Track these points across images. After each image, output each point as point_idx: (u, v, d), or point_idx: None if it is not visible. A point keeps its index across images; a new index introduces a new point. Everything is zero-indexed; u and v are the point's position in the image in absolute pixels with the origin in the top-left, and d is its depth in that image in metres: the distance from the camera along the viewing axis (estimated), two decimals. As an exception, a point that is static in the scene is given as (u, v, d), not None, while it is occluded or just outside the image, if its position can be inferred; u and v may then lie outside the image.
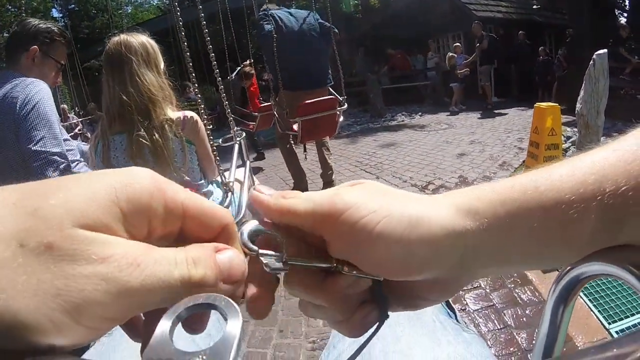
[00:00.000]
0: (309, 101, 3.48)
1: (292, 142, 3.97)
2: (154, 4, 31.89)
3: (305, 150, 3.94)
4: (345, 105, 3.77)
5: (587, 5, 10.89)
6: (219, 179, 1.85)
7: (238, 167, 2.17)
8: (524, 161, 4.19)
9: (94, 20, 24.59)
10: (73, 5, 24.99)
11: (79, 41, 19.37)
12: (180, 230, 0.27)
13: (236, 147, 2.25)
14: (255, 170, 5.96)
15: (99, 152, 1.68)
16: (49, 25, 1.93)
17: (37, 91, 1.69)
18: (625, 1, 19.95)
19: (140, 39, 1.73)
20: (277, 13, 3.60)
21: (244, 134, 2.53)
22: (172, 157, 1.68)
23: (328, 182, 4.19)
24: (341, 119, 3.84)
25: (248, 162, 2.41)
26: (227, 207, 1.77)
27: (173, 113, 1.71)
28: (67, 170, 1.68)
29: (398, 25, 13.47)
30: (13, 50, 1.86)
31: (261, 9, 3.63)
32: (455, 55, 9.89)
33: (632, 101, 7.57)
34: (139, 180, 0.24)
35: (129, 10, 26.81)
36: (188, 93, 7.37)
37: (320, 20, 3.76)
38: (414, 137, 7.03)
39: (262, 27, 3.48)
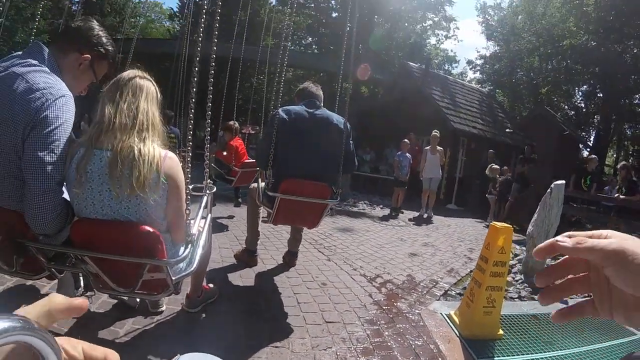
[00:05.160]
0: (296, 179, 3.05)
1: (264, 218, 3.67)
2: (165, 25, 32.53)
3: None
4: (338, 199, 3.27)
5: (554, 137, 11.89)
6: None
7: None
8: (471, 271, 4.24)
9: (105, 18, 24.31)
10: (92, -4, 24.82)
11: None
12: None
13: (204, 199, 2.31)
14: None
15: (76, 159, 1.68)
16: (109, 42, 1.96)
17: (68, 110, 1.67)
18: (590, 138, 21.96)
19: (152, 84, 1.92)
20: (292, 108, 3.30)
21: (215, 188, 2.50)
22: (148, 183, 1.69)
23: (293, 252, 4.12)
24: (328, 213, 3.37)
25: (209, 216, 2.39)
26: (185, 257, 1.89)
27: (159, 148, 1.79)
28: (60, 201, 1.72)
29: (381, 116, 14.13)
30: (67, 43, 1.85)
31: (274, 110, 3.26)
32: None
33: (580, 228, 8.04)
34: None
35: (141, 22, 27.22)
36: (170, 124, 7.20)
37: (343, 120, 3.31)
38: (371, 227, 7.09)
39: (274, 114, 3.21)
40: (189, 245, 1.95)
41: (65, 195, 1.80)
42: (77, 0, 20.86)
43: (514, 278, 4.68)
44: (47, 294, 2.14)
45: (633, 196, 7.50)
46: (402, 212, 9.04)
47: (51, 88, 1.63)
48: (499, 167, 9.95)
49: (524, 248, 5.17)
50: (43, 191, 1.62)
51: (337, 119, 3.33)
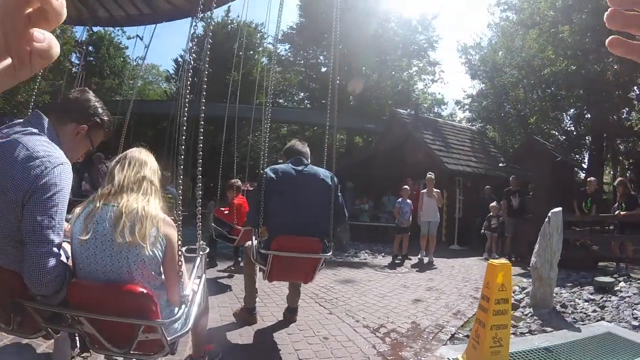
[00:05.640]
0: (288, 237, 3.08)
1: (260, 274, 3.68)
2: (162, 87, 33.44)
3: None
4: (330, 253, 3.30)
5: (548, 165, 11.94)
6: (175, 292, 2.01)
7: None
8: (477, 312, 4.17)
9: (104, 80, 25.12)
10: (92, 59, 25.44)
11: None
12: None
13: (197, 260, 2.42)
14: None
15: (85, 213, 1.87)
16: (105, 112, 2.08)
17: (66, 177, 1.74)
18: (584, 160, 21.95)
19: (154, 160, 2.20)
20: (279, 166, 3.40)
21: (208, 249, 2.55)
22: (148, 234, 1.85)
23: (293, 309, 4.06)
24: (322, 266, 3.40)
25: (204, 276, 2.41)
26: (179, 318, 1.94)
27: (160, 210, 1.99)
28: (59, 263, 1.73)
29: (377, 165, 14.27)
30: (65, 114, 1.95)
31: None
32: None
33: (586, 251, 7.91)
34: None
35: (139, 84, 27.66)
36: (167, 184, 7.17)
37: (330, 175, 3.39)
38: (374, 277, 6.99)
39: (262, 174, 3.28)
40: (183, 306, 1.99)
41: (63, 258, 1.84)
42: (77, 62, 21.62)
43: (523, 312, 4.60)
44: (43, 353, 2.12)
45: (634, 210, 7.34)
46: (410, 259, 8.87)
47: (50, 156, 1.70)
48: (497, 206, 9.93)
49: (531, 280, 5.09)
50: (42, 254, 1.66)
51: (323, 173, 3.40)
